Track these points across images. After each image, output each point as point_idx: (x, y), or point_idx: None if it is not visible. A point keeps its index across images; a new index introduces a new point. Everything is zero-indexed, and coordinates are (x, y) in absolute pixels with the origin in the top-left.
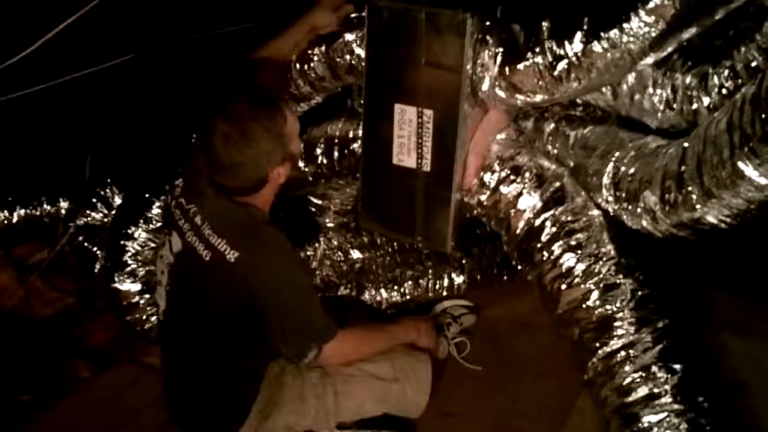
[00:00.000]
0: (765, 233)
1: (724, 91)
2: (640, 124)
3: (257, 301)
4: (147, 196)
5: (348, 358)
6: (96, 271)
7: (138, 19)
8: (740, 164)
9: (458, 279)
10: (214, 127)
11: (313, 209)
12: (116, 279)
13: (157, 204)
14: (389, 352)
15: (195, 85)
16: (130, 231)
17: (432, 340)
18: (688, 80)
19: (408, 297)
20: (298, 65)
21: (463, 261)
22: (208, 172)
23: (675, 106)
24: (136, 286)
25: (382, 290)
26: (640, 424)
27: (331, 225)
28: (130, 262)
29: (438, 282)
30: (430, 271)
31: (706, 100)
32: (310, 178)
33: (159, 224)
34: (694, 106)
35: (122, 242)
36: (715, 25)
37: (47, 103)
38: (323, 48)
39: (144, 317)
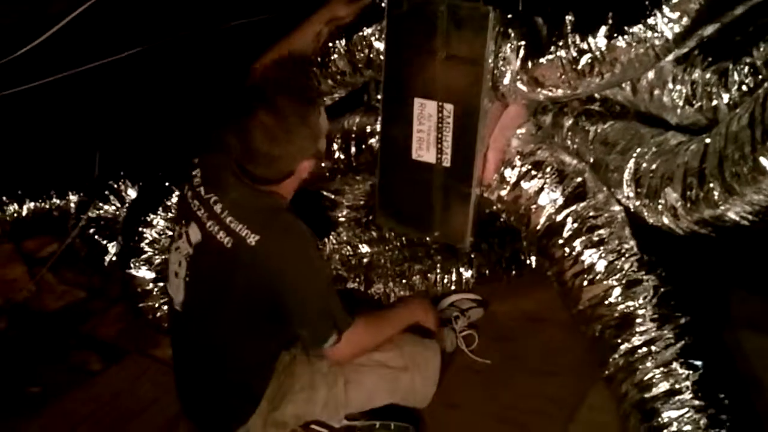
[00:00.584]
0: None
1: (744, 87)
2: (659, 120)
3: (278, 283)
4: (167, 184)
5: (361, 349)
6: (106, 264)
7: (147, 10)
8: (762, 160)
9: (466, 273)
10: (255, 117)
11: (326, 203)
12: (132, 265)
13: (177, 193)
14: (398, 341)
15: (205, 78)
16: (149, 218)
17: (435, 320)
18: (707, 76)
19: (416, 291)
20: (318, 59)
21: (472, 256)
22: (238, 158)
23: (694, 102)
24: (151, 274)
25: (391, 284)
26: (659, 419)
27: (342, 219)
28: (147, 249)
29: (446, 276)
30: (439, 265)
31: (725, 97)
32: (327, 174)
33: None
34: (714, 102)
35: (140, 229)
36: (734, 21)
37: (56, 96)
38: (343, 41)
39: (157, 305)
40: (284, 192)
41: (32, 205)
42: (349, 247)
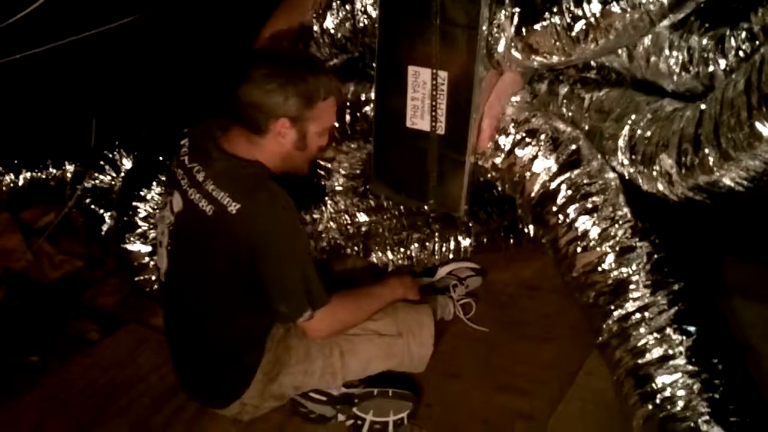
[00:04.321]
0: None
1: (741, 53)
2: (655, 87)
3: (256, 253)
4: (160, 158)
5: (339, 326)
6: (103, 233)
7: None
8: (758, 125)
9: (465, 242)
10: (251, 70)
11: (322, 172)
12: (127, 240)
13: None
14: (390, 309)
15: (202, 46)
16: (142, 193)
17: (417, 292)
18: (704, 42)
19: (414, 260)
20: (317, 26)
21: (470, 224)
22: (226, 114)
23: (691, 68)
24: (147, 248)
25: (389, 253)
26: (653, 385)
27: (339, 189)
28: (141, 223)
29: (444, 245)
30: (437, 234)
31: (722, 63)
32: None
33: None
34: (711, 68)
35: (134, 203)
36: None
37: (52, 65)
38: (343, 8)
39: (153, 278)
40: (267, 160)
41: (29, 175)
42: (347, 216)
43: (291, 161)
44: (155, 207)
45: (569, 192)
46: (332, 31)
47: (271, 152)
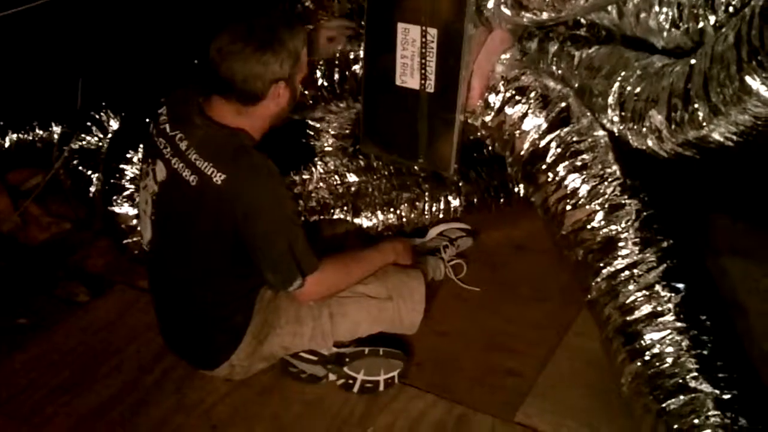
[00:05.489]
0: (765, 157)
1: (730, 8)
2: (645, 45)
3: (244, 223)
4: (146, 120)
5: (330, 291)
6: (91, 195)
7: None
8: (748, 79)
9: (455, 202)
10: (229, 37)
11: (311, 132)
12: (114, 203)
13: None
14: (381, 272)
15: (191, 6)
16: (128, 155)
17: (410, 258)
18: None
19: (404, 219)
20: None
21: (460, 184)
22: (211, 84)
23: (681, 24)
24: (134, 210)
25: (378, 213)
26: (642, 342)
27: (329, 149)
28: (128, 186)
29: (434, 205)
30: (427, 194)
31: (712, 19)
32: (310, 101)
33: None
34: (700, 24)
35: (120, 166)
36: None
37: (37, 24)
38: None
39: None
40: (252, 125)
41: (15, 136)
42: (336, 176)
43: (279, 117)
44: (141, 169)
45: (559, 150)
46: None
47: (262, 115)
